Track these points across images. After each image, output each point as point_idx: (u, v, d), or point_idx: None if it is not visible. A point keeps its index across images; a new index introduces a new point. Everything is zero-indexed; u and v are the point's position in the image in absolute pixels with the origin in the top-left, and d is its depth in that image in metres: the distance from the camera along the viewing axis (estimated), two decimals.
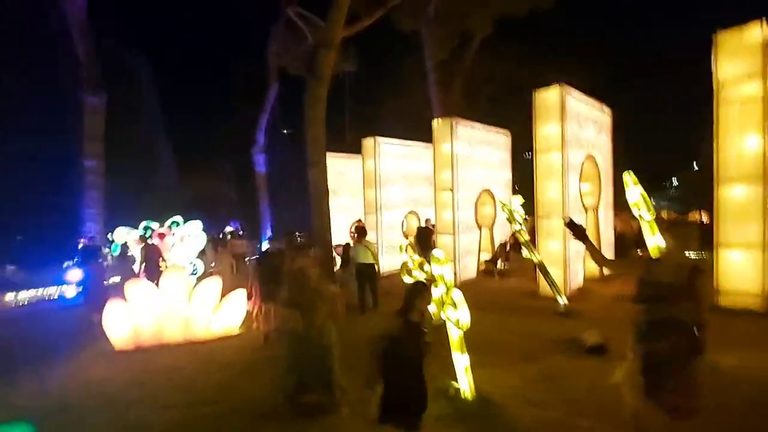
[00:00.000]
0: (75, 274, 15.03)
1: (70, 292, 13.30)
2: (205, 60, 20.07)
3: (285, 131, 24.12)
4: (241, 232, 17.75)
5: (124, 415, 4.51)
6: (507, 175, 12.19)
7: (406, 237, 12.58)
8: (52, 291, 13.83)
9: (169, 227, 12.89)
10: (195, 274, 12.87)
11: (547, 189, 8.30)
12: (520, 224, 7.66)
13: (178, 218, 13.17)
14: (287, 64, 15.58)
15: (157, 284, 9.77)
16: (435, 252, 4.25)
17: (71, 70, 13.89)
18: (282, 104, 20.28)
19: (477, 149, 10.66)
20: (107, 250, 12.74)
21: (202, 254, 13.05)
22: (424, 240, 7.63)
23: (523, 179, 14.64)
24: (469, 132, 10.44)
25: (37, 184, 15.89)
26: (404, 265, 4.44)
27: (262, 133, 19.91)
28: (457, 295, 3.95)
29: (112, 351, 6.74)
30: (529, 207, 8.85)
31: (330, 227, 8.88)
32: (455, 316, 3.96)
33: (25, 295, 14.15)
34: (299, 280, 4.04)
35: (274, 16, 16.16)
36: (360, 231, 8.00)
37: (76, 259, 12.31)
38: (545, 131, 8.35)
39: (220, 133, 21.84)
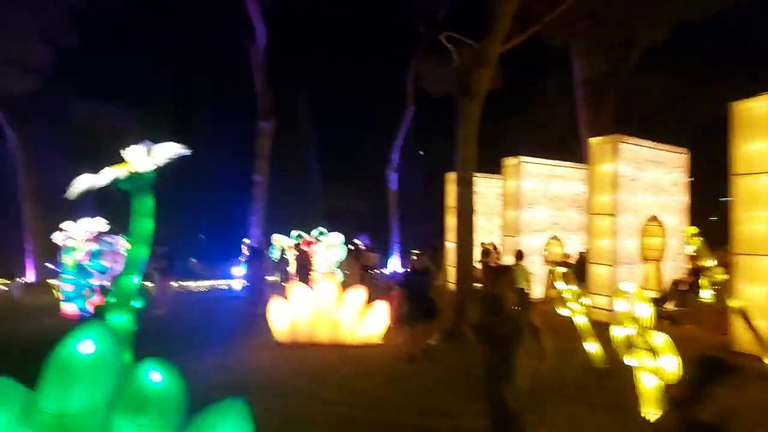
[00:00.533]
0: (239, 271, 17.71)
1: (236, 285, 15.61)
2: (349, 86, 22.01)
3: (420, 152, 24.95)
4: (364, 246, 18.77)
5: (289, 402, 4.93)
6: (682, 199, 10.37)
7: (547, 263, 11.63)
8: (222, 283, 16.53)
9: (316, 237, 14.29)
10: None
11: (749, 220, 6.75)
12: (713, 261, 6.34)
13: (323, 229, 14.52)
14: (430, 85, 16.10)
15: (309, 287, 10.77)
16: (623, 285, 3.72)
17: (249, 101, 16.62)
18: (414, 123, 21.09)
19: (645, 170, 9.33)
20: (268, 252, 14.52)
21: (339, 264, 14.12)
22: (582, 269, 6.87)
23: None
24: (634, 151, 9.22)
25: (217, 193, 19.43)
26: (558, 294, 3.98)
27: (397, 153, 20.90)
28: (661, 339, 3.34)
29: (273, 342, 7.59)
30: (713, 239, 7.31)
31: (472, 246, 8.68)
32: (654, 364, 3.35)
33: (203, 284, 17.22)
34: (493, 307, 3.31)
35: (411, 43, 17.20)
36: (518, 254, 7.66)
37: (242, 258, 14.33)
38: (748, 150, 6.85)
39: (356, 152, 23.85)
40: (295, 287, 7.80)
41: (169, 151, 5.05)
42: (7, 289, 15.17)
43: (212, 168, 19.31)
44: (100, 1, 15.68)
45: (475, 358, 3.28)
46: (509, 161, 11.63)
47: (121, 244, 10.08)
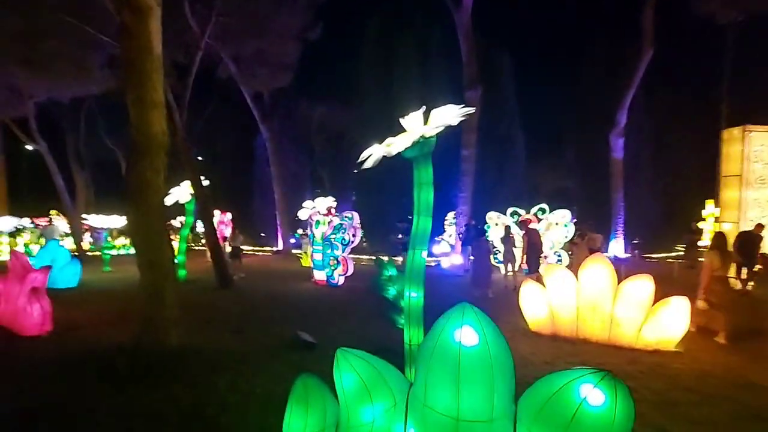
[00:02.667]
0: (442, 248, 17.69)
1: (445, 263, 15.54)
2: (561, 47, 19.08)
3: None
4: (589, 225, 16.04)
5: None
6: None
7: None
8: (429, 260, 16.78)
9: (535, 214, 12.80)
10: (559, 263, 12.29)
11: None
12: None
13: (544, 206, 12.89)
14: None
15: (536, 270, 9.47)
16: None
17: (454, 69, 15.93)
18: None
19: None
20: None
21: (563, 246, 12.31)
22: None
23: None
24: None
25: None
26: None
27: (624, 113, 17.18)
28: None
29: (529, 332, 6.67)
30: None
31: None
32: None
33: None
34: None
35: None
36: None
37: (460, 237, 13.95)
38: None
39: (567, 121, 20.85)
40: (553, 272, 6.64)
41: (448, 115, 4.49)
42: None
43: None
44: None
45: None
46: None
47: (357, 219, 10.82)
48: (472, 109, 4.33)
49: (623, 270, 8.64)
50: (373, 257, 16.04)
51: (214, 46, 10.91)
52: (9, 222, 15.45)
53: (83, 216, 15.43)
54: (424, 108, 5.10)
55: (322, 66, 19.39)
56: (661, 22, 16.17)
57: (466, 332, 2.19)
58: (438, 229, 18.22)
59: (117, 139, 26.87)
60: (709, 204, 16.19)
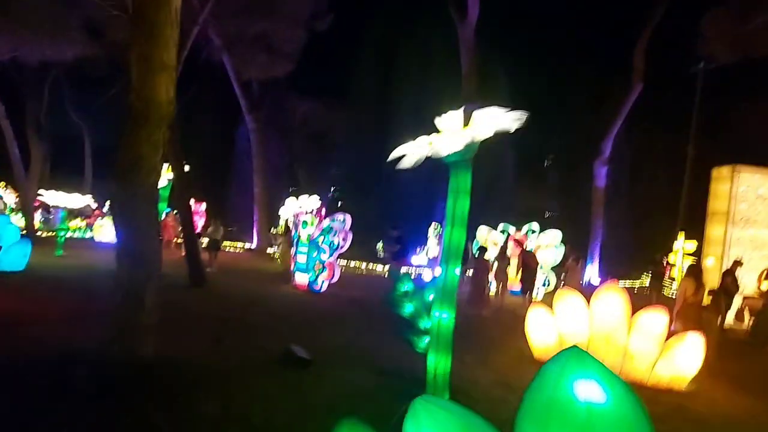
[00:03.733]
0: (419, 259, 17.28)
1: (427, 275, 15.09)
2: (554, 68, 19.39)
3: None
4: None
5: None
6: None
7: None
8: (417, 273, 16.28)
9: (526, 234, 12.64)
10: (546, 286, 12.15)
11: None
12: None
13: (535, 225, 12.75)
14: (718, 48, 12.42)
15: (530, 293, 9.21)
16: None
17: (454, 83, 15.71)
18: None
19: None
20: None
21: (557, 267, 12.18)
22: None
23: None
24: None
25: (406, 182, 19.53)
26: None
27: (610, 143, 17.53)
28: None
29: (532, 358, 6.30)
30: None
31: None
32: None
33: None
34: None
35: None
36: None
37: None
38: None
39: (553, 145, 21.15)
40: (564, 297, 6.31)
41: (505, 119, 4.01)
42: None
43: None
44: None
45: None
46: None
47: (349, 222, 10.19)
48: (525, 114, 3.91)
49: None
50: (357, 263, 15.46)
51: (210, 23, 9.98)
52: None
53: (39, 192, 13.87)
54: (462, 108, 4.62)
55: (316, 60, 18.75)
56: (647, 59, 16.68)
57: (589, 387, 1.70)
58: (420, 239, 17.86)
59: (83, 113, 24.86)
60: (681, 236, 16.69)
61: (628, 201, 22.13)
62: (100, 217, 19.34)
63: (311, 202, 12.67)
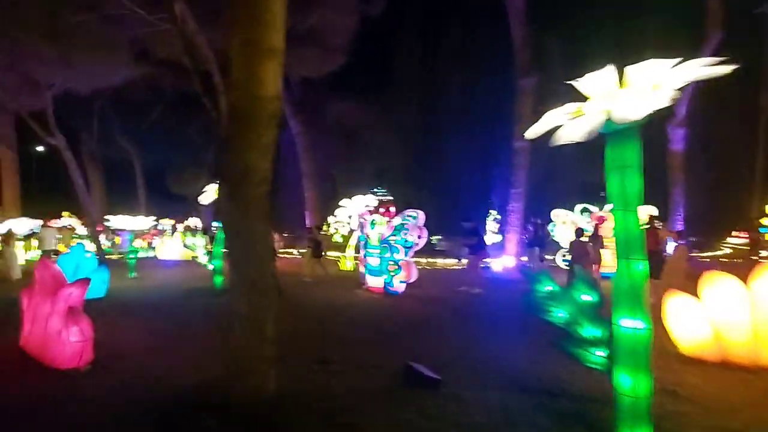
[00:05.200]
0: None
1: (496, 266, 14.17)
2: (616, 30, 17.67)
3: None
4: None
5: None
6: None
7: None
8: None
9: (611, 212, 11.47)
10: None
11: None
12: None
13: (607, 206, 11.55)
14: None
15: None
16: None
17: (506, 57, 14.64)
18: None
19: None
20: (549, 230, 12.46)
21: None
22: None
23: None
24: None
25: (467, 161, 18.44)
26: None
27: (684, 103, 15.76)
28: None
29: (680, 356, 5.35)
30: None
31: None
32: None
33: (449, 262, 16.56)
34: None
35: None
36: None
37: (525, 237, 12.58)
38: None
39: None
40: (715, 282, 5.30)
41: (698, 70, 3.09)
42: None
43: (461, 137, 18.23)
44: None
45: None
46: None
47: (422, 218, 9.51)
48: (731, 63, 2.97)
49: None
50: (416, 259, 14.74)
51: None
52: (25, 224, 14.20)
53: (105, 217, 14.18)
54: (611, 66, 3.74)
55: (355, 57, 18.01)
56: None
57: None
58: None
59: (131, 139, 25.84)
60: None
61: (704, 165, 20.05)
62: (156, 236, 19.80)
63: (369, 200, 12.11)
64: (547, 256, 12.35)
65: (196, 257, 11.12)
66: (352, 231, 13.49)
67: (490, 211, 16.07)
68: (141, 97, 20.99)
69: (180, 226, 21.97)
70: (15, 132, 17.98)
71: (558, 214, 11.73)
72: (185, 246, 12.73)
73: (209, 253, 11.09)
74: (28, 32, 9.34)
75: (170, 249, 16.64)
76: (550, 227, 11.69)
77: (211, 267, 10.36)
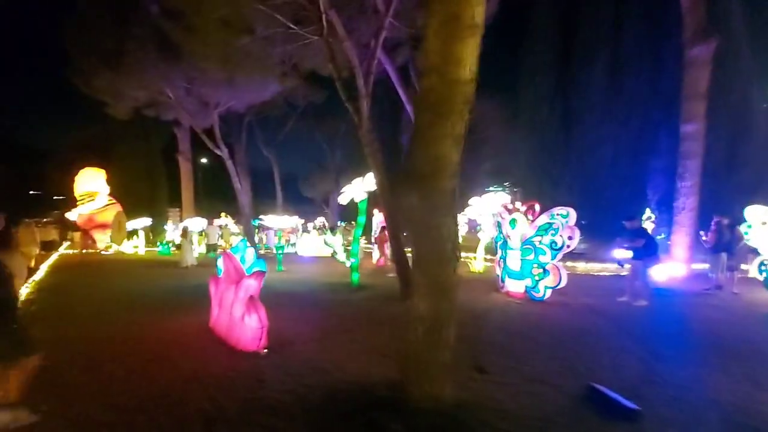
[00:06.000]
0: (622, 253, 13.93)
1: (660, 275, 12.01)
2: None
3: None
4: None
5: None
6: None
7: None
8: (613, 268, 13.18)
9: None
10: None
11: None
12: None
13: None
14: None
15: None
16: None
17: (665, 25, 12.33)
18: None
19: None
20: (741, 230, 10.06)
21: None
22: None
23: None
24: None
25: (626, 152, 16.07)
26: None
27: None
28: None
29: None
30: None
31: None
32: None
33: (592, 267, 14.65)
34: None
35: None
36: None
37: (705, 240, 10.39)
38: None
39: None
40: None
41: None
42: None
43: (605, 126, 16.08)
44: None
45: None
46: None
47: (574, 217, 8.48)
48: None
49: None
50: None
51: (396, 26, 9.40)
52: (199, 222, 17.12)
53: (260, 216, 16.23)
54: None
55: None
56: None
57: None
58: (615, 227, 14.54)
59: (271, 148, 30.31)
60: None
61: None
62: (293, 234, 21.89)
63: (503, 198, 11.36)
64: (742, 266, 10.01)
65: (335, 254, 11.78)
66: (479, 231, 12.87)
67: (647, 209, 13.76)
68: (279, 110, 24.13)
69: (310, 225, 24.58)
70: (192, 145, 21.86)
71: (755, 212, 9.37)
72: (325, 243, 13.67)
73: (347, 250, 11.64)
74: (206, 61, 11.14)
75: (309, 245, 18.18)
76: (742, 228, 9.40)
77: (348, 264, 10.84)
